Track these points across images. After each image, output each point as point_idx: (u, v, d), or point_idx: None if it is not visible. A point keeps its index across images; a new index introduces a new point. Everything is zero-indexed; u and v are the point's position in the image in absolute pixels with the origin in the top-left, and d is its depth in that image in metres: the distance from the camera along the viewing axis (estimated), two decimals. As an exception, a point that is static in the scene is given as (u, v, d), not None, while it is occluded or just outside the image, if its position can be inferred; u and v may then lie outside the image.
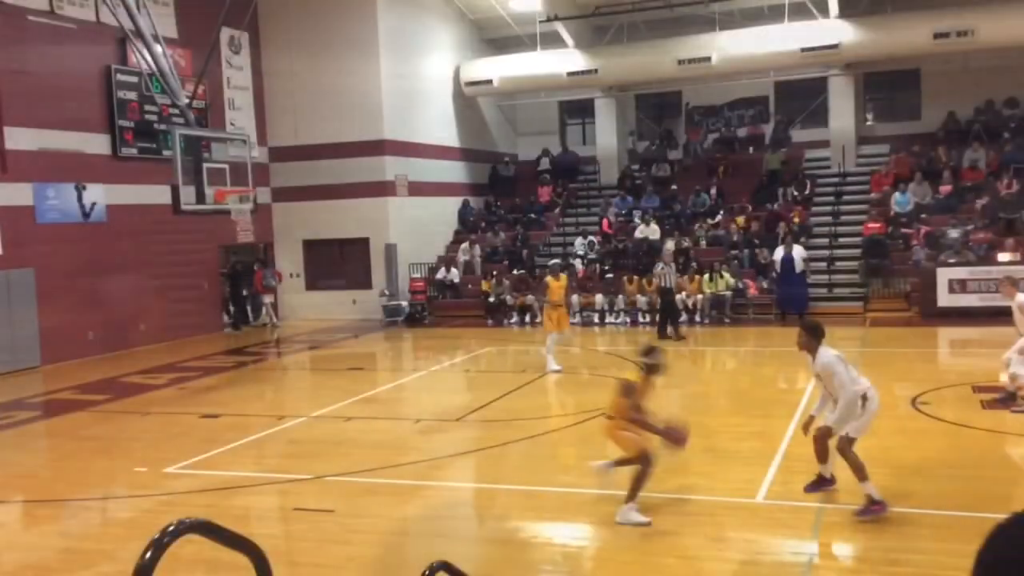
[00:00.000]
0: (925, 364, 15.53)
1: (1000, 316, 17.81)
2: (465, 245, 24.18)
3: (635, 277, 21.05)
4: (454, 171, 26.18)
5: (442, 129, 25.48)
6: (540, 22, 24.21)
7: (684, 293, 19.93)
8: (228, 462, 10.12)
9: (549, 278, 15.33)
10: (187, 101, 17.04)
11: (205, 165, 16.51)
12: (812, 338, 7.56)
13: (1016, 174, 21.37)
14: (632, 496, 7.44)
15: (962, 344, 17.49)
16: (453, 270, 23.53)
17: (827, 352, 7.53)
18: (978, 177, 22.11)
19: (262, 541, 2.88)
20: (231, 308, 23.15)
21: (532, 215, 25.89)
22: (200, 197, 16.19)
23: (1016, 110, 23.72)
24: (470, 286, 23.29)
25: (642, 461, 7.43)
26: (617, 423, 7.59)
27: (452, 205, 26.14)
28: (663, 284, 18.36)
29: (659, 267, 18.78)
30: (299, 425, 11.95)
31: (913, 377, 13.37)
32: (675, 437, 7.48)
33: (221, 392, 14.65)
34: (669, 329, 18.04)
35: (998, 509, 7.08)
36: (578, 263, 22.94)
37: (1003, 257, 19.01)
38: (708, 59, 23.23)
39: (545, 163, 27.70)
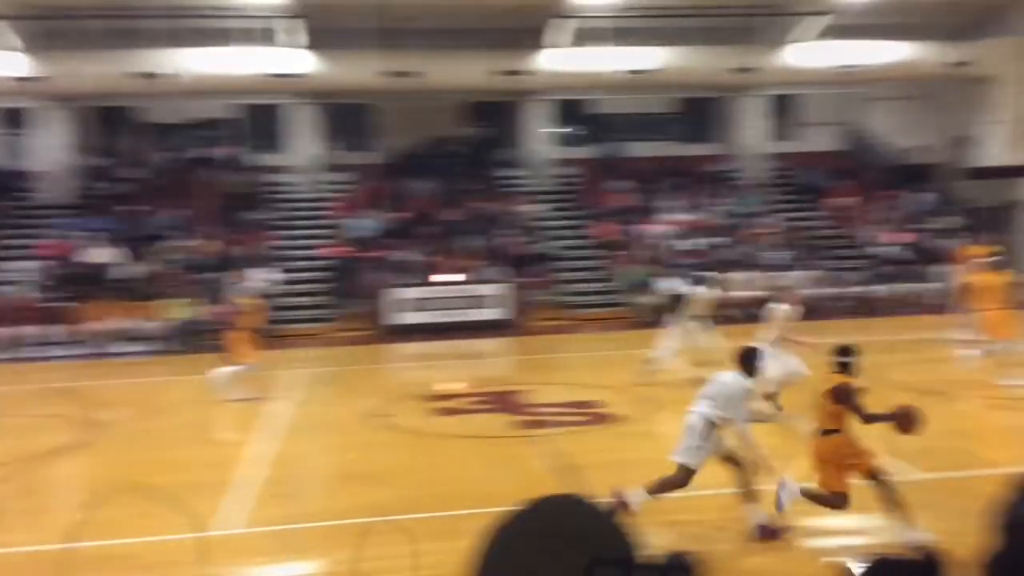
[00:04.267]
0: (384, 378, 16.46)
1: (446, 332, 19.64)
2: None
3: (89, 304, 19.14)
4: None
5: None
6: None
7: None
8: None
9: None
10: None
11: None
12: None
13: (458, 203, 23.81)
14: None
15: (417, 358, 18.77)
16: None
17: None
18: (428, 205, 24.15)
19: None
20: None
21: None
22: None
23: (461, 146, 26.50)
24: None
25: (838, 504, 6.83)
26: (839, 443, 6.76)
27: None
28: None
29: None
30: None
31: (374, 391, 13.97)
32: (910, 419, 6.69)
33: None
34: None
35: (457, 507, 7.56)
36: (11, 290, 20.23)
37: (442, 278, 20.96)
38: (168, 75, 22.05)
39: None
